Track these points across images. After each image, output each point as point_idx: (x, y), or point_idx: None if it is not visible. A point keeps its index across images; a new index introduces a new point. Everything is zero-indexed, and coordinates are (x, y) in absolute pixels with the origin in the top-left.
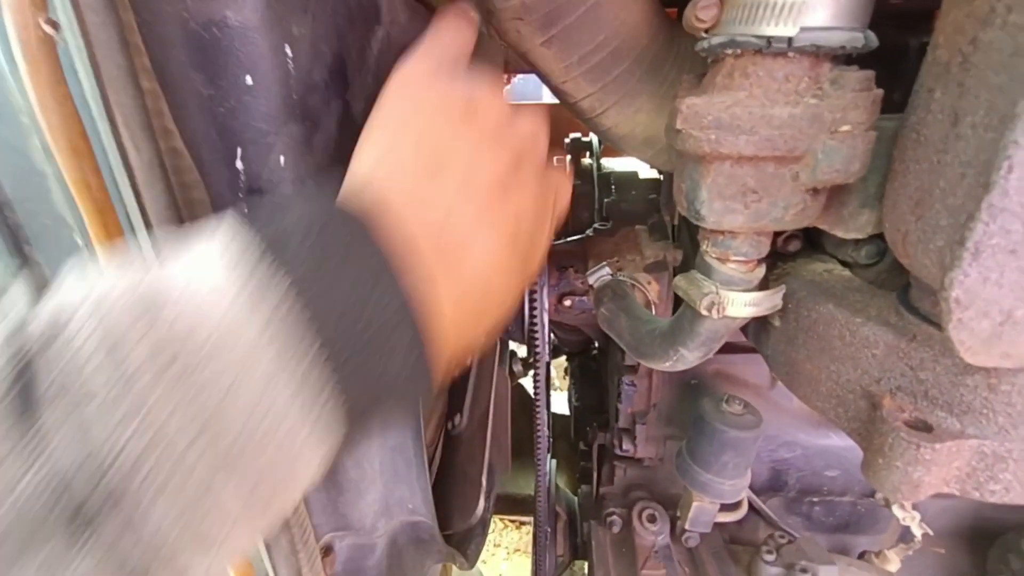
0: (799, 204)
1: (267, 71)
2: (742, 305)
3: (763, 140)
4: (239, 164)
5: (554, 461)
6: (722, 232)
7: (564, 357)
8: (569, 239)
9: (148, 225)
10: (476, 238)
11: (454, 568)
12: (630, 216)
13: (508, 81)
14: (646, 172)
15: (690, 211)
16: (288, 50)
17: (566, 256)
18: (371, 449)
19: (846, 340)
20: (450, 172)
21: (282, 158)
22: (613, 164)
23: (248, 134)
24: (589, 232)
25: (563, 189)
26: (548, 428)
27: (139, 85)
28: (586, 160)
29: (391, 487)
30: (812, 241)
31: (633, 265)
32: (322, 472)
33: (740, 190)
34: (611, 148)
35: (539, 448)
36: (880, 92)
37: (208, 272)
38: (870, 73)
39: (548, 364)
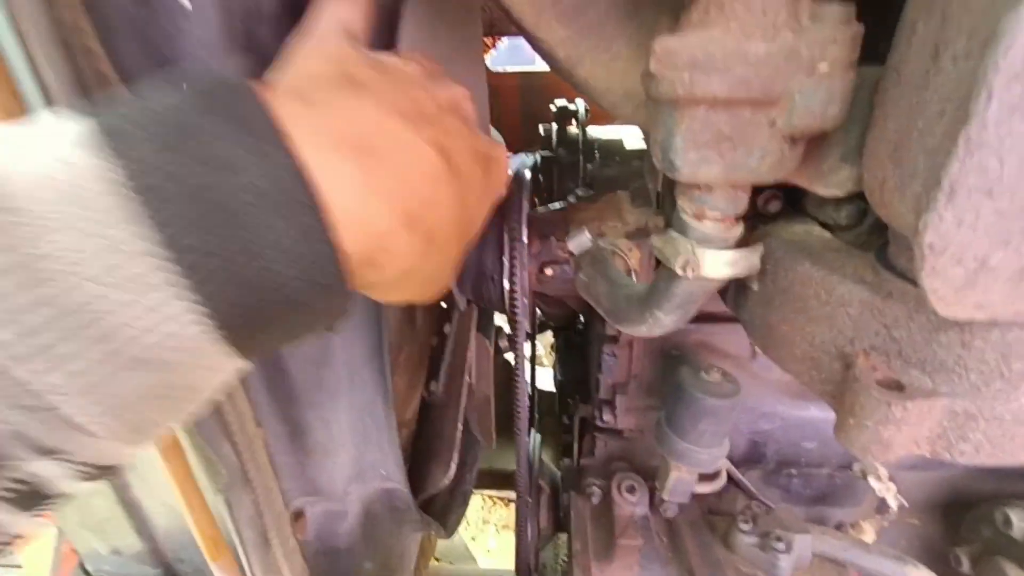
0: (776, 153)
1: None
2: (719, 264)
3: (738, 80)
4: None
5: (538, 436)
6: (698, 186)
7: (550, 334)
8: (552, 206)
9: None
10: (402, 145)
11: (437, 541)
12: (614, 183)
13: (493, 45)
14: (631, 142)
15: (664, 162)
16: None
17: (548, 224)
18: (337, 409)
19: (822, 299)
20: (367, 90)
21: None
22: (600, 132)
23: (188, 64)
24: (570, 199)
25: (500, 160)
26: (528, 399)
27: None
28: (572, 128)
29: (362, 450)
30: (793, 203)
31: (615, 231)
32: (217, 385)
33: (715, 137)
34: (598, 115)
35: (519, 419)
36: (861, 28)
37: (36, 154)
38: (849, 7)
39: (532, 335)
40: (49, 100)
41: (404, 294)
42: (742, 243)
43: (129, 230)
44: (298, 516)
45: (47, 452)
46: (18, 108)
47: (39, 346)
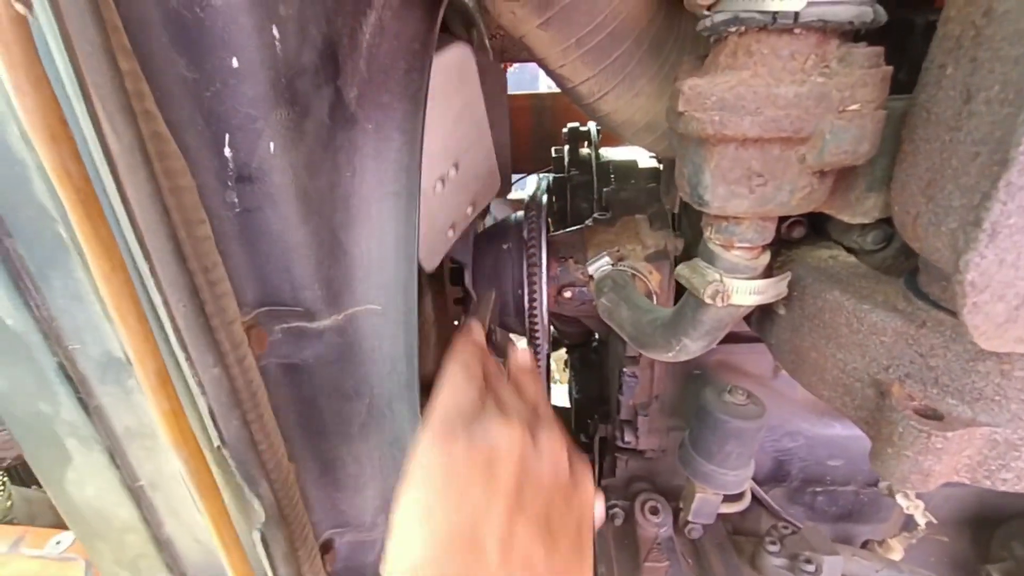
0: (806, 187)
1: (253, 53)
2: (747, 293)
3: (768, 121)
4: (227, 151)
5: None
6: (726, 218)
7: (564, 350)
8: (569, 229)
9: (131, 215)
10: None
11: None
12: (630, 205)
13: (505, 70)
14: (645, 161)
15: (693, 196)
16: (275, 31)
17: (566, 247)
18: (369, 444)
19: (853, 327)
20: (490, 546)
21: (272, 144)
22: (612, 154)
23: (235, 119)
24: (588, 222)
25: (589, 494)
26: None
27: (117, 65)
28: (585, 149)
29: (391, 482)
30: (817, 227)
31: (634, 255)
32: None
33: (745, 174)
34: (609, 137)
35: None
36: (889, 69)
37: None
38: (879, 49)
39: (548, 356)
40: (111, 162)
41: None
42: (768, 269)
43: None
44: (327, 548)
45: None
46: (80, 171)
47: None
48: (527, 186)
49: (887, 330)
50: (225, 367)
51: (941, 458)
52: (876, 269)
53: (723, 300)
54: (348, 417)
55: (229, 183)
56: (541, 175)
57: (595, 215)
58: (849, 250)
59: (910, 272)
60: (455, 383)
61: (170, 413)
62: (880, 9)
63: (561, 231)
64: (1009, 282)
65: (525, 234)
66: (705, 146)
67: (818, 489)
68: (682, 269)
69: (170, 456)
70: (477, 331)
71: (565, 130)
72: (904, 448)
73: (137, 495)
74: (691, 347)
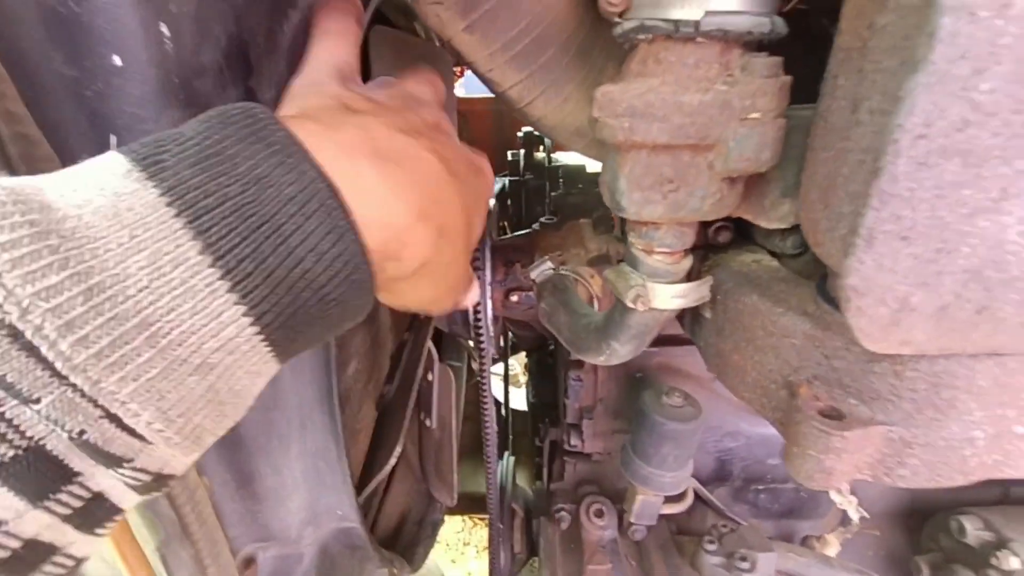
0: (716, 194)
1: (138, 51)
2: (668, 297)
3: (676, 128)
4: None
5: (512, 458)
6: (645, 223)
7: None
8: (517, 234)
9: None
10: (410, 153)
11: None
12: (577, 210)
13: (461, 74)
14: (595, 166)
15: (612, 202)
16: (164, 29)
17: (513, 251)
18: (290, 455)
19: (768, 330)
20: (367, 115)
21: None
22: (565, 158)
23: (121, 120)
24: (536, 226)
25: (487, 168)
26: (502, 422)
27: None
28: (540, 154)
29: (316, 494)
30: (744, 232)
31: (577, 259)
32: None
33: (657, 180)
34: None
35: (488, 445)
36: (788, 79)
37: (90, 190)
38: (778, 59)
39: (506, 356)
40: None
41: (422, 291)
42: (694, 273)
43: (178, 243)
44: (248, 563)
45: (106, 461)
46: None
47: (96, 353)
48: None
49: (797, 333)
50: None
51: (842, 456)
52: (797, 273)
53: (644, 304)
54: (266, 428)
55: None
56: (497, 179)
57: (542, 219)
58: (773, 254)
59: (822, 276)
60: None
61: None
62: (779, 20)
63: (510, 236)
64: (888, 286)
65: None
66: (619, 152)
67: (760, 487)
68: (608, 274)
69: None
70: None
71: (520, 134)
72: (808, 447)
73: None
74: (620, 351)
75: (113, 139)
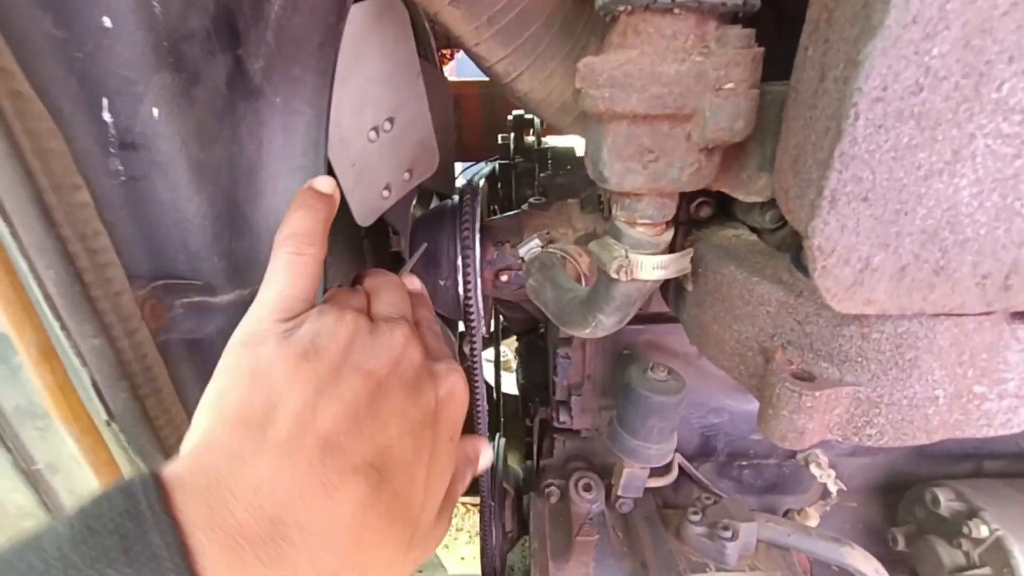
0: (694, 164)
1: (127, 12)
2: (651, 268)
3: (653, 98)
4: (107, 116)
5: (503, 439)
6: (627, 195)
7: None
8: (507, 214)
9: None
10: (320, 503)
11: None
12: (565, 190)
13: (451, 57)
14: (582, 149)
15: (595, 173)
16: None
17: (502, 231)
18: None
19: (745, 299)
20: (281, 427)
21: (155, 110)
22: (554, 141)
23: (112, 82)
24: (525, 207)
25: (456, 394)
26: (494, 403)
27: None
28: (530, 137)
29: None
30: (725, 208)
31: (565, 238)
32: None
33: (638, 150)
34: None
35: (479, 425)
36: (761, 50)
37: None
38: (750, 31)
39: (497, 339)
40: None
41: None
42: (675, 247)
43: None
44: None
45: None
46: None
47: None
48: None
49: (772, 300)
50: (111, 339)
51: (812, 416)
52: (775, 247)
53: (627, 275)
54: None
55: (111, 149)
56: (487, 162)
57: (530, 200)
58: (753, 229)
59: (797, 248)
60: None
61: (55, 387)
62: None
63: (500, 216)
64: (852, 246)
65: (459, 218)
66: (601, 123)
67: (744, 463)
68: (593, 246)
69: (63, 435)
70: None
71: (510, 118)
72: (781, 408)
73: (34, 479)
74: (605, 323)
75: (104, 101)
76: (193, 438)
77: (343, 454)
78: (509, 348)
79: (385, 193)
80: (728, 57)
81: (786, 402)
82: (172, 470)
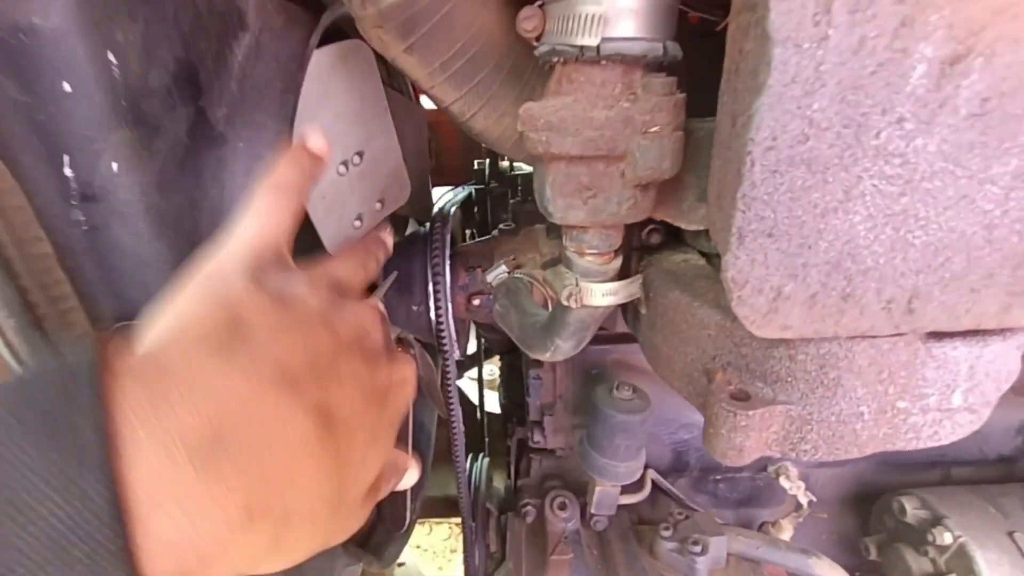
0: (631, 199)
1: (87, 77)
2: (600, 295)
3: (587, 140)
4: (68, 171)
5: (486, 459)
6: (573, 227)
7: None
8: (478, 240)
9: None
10: (264, 422)
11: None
12: (533, 216)
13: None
14: None
15: (541, 207)
16: (111, 56)
17: (474, 256)
18: None
19: (689, 322)
20: (247, 346)
21: (115, 164)
22: (526, 167)
23: (73, 141)
24: (495, 233)
25: (404, 382)
26: (478, 424)
27: None
28: (504, 162)
29: None
30: (676, 234)
31: (532, 263)
32: None
33: (577, 187)
34: None
35: (456, 446)
36: (683, 96)
37: None
38: (672, 79)
39: (479, 360)
40: None
41: (284, 559)
42: (630, 271)
43: None
44: None
45: None
46: None
47: None
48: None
49: (711, 324)
50: None
51: (749, 434)
52: (720, 270)
53: (578, 302)
54: None
55: (73, 202)
56: (464, 187)
57: (501, 226)
58: (702, 254)
59: None
60: (255, 229)
61: None
62: (673, 45)
63: (472, 242)
64: (763, 277)
65: (430, 245)
66: (543, 163)
67: (717, 477)
68: (548, 274)
69: None
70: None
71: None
72: (720, 427)
73: None
74: (563, 347)
75: (65, 158)
76: (147, 341)
77: (298, 392)
78: (496, 367)
79: (357, 223)
80: (653, 103)
81: (724, 421)
82: (122, 355)
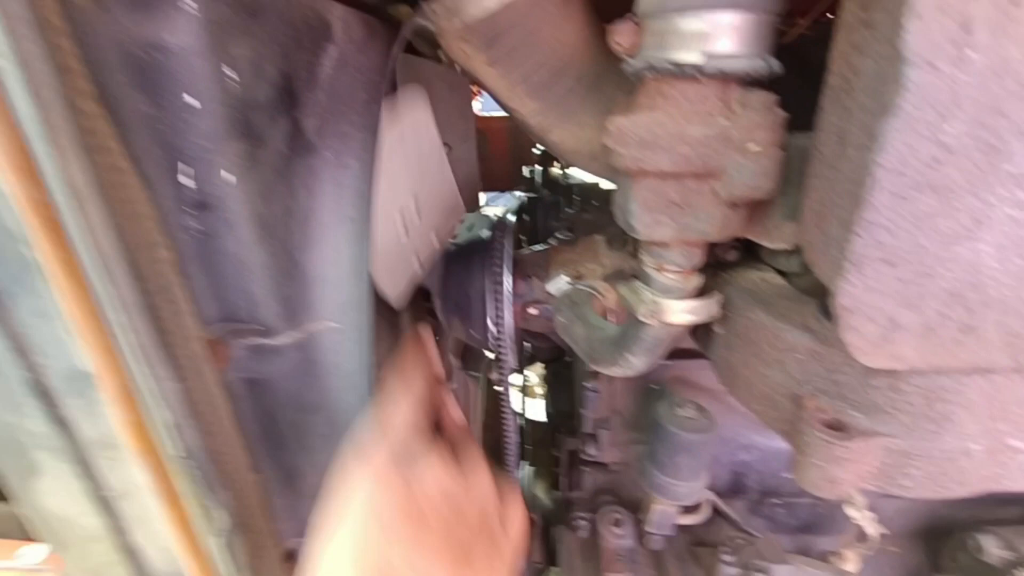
0: (720, 217)
1: (207, 91)
2: (679, 312)
3: (681, 157)
4: (186, 180)
5: (531, 468)
6: (655, 243)
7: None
8: (535, 249)
9: (95, 235)
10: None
11: None
12: (591, 226)
13: (477, 94)
14: (607, 185)
15: (624, 223)
16: (228, 71)
17: (531, 265)
18: (330, 455)
19: (773, 345)
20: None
21: (227, 174)
22: (580, 174)
23: (192, 151)
24: (552, 242)
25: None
26: (517, 434)
27: (75, 106)
28: (555, 170)
29: None
30: (752, 251)
31: (592, 274)
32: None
33: (665, 203)
34: None
35: (508, 455)
36: (783, 114)
37: None
38: (773, 96)
39: (521, 367)
40: (72, 192)
41: None
42: (704, 290)
43: None
44: (289, 556)
45: None
46: (42, 200)
47: None
48: (503, 203)
49: (800, 348)
50: (183, 380)
51: (845, 466)
52: (802, 291)
53: (656, 319)
54: (309, 429)
55: (188, 210)
56: (516, 194)
57: (558, 235)
58: (780, 273)
59: (824, 294)
60: (401, 413)
61: (133, 424)
62: (774, 61)
63: (528, 250)
64: (877, 306)
65: (490, 256)
66: (630, 178)
67: (776, 501)
68: (623, 290)
69: (135, 466)
70: (427, 339)
71: (537, 151)
72: (813, 457)
73: (105, 504)
74: (635, 363)
75: (183, 167)
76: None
77: None
78: (535, 374)
79: (416, 265)
80: (753, 120)
81: (818, 451)
82: None
